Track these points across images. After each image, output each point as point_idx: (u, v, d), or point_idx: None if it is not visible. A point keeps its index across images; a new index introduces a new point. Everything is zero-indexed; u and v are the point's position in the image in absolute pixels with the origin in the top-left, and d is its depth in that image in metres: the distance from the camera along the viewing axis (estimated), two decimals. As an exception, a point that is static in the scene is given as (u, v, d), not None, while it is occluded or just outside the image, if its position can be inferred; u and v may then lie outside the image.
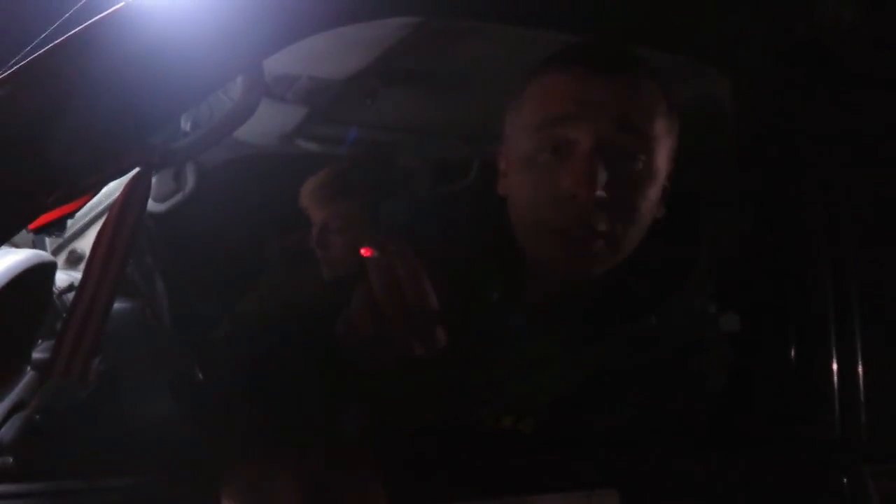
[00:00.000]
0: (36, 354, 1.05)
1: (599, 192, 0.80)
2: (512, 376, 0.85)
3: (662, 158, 0.86)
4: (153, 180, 1.62)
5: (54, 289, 1.20)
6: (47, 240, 1.44)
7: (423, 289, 0.68)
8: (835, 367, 0.86)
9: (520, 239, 0.88)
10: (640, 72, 0.85)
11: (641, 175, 0.84)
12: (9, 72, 0.66)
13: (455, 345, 0.71)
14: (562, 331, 0.86)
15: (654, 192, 0.86)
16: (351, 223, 1.38)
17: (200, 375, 1.00)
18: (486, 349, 0.85)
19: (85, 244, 1.58)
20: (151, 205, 1.64)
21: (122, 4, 0.67)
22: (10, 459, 0.76)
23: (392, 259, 0.68)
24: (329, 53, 1.22)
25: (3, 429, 0.83)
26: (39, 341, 1.09)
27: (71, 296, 1.24)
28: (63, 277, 1.31)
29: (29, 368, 1.03)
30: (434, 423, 0.76)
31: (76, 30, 0.66)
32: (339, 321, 0.71)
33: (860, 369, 0.86)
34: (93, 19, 0.67)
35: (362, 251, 0.69)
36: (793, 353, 0.88)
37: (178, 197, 1.68)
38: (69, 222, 1.45)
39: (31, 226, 0.89)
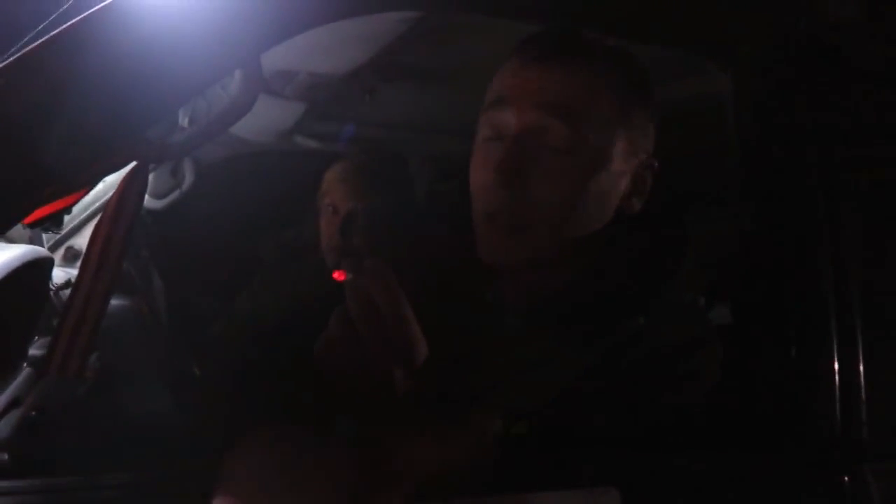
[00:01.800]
0: (32, 351, 1.04)
1: (496, 177, 0.80)
2: (501, 380, 0.84)
3: (608, 151, 0.83)
4: (151, 177, 1.62)
5: (51, 285, 1.19)
6: (44, 236, 1.43)
7: (400, 312, 0.67)
8: (836, 365, 0.86)
9: None
10: (587, 61, 0.83)
11: (574, 165, 0.82)
12: (4, 63, 0.65)
13: (442, 349, 0.71)
14: (550, 332, 0.85)
15: (593, 184, 0.83)
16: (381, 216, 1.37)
17: (197, 372, 0.99)
18: (474, 353, 0.85)
19: (82, 241, 1.58)
20: (150, 201, 1.64)
21: (118, -3, 0.66)
22: (6, 455, 0.76)
23: (368, 281, 0.67)
24: (328, 49, 1.22)
25: (-2, 425, 0.83)
26: (36, 338, 1.08)
27: (68, 292, 1.23)
28: (60, 274, 1.30)
29: (25, 365, 1.02)
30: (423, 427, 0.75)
31: (72, 22, 0.66)
32: (317, 342, 0.70)
33: (861, 368, 0.86)
34: (89, 11, 0.66)
35: (335, 275, 0.68)
36: (793, 351, 0.88)
37: (176, 194, 1.68)
38: (66, 219, 1.45)
39: (27, 220, 0.89)
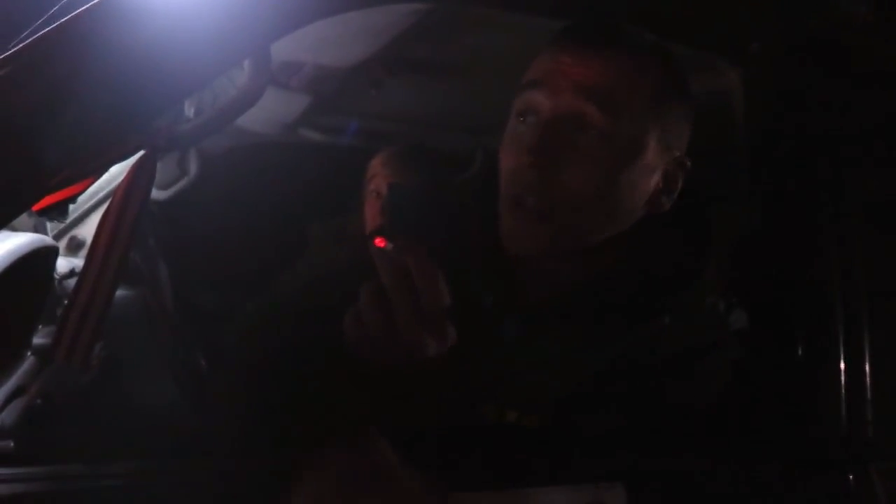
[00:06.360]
0: (36, 340, 1.04)
1: (527, 158, 0.79)
2: (517, 373, 0.84)
3: (642, 143, 0.82)
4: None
5: (55, 274, 1.19)
6: (48, 225, 1.43)
7: (435, 284, 0.67)
8: (842, 365, 0.86)
9: None
10: (626, 51, 0.82)
11: (606, 152, 0.80)
12: (12, 51, 0.65)
13: (460, 340, 0.70)
14: (568, 328, 0.85)
15: (625, 175, 0.82)
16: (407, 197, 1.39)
17: (203, 362, 0.99)
18: (492, 345, 0.84)
19: (86, 231, 1.58)
20: (154, 192, 1.63)
21: (129, -15, 0.66)
22: (11, 443, 0.76)
23: (404, 253, 0.67)
24: (335, 41, 1.21)
25: (3, 413, 0.83)
26: (40, 326, 1.08)
27: (72, 282, 1.23)
28: (63, 264, 1.30)
29: (29, 353, 1.03)
30: (438, 417, 0.75)
31: (81, 10, 0.65)
32: (346, 317, 0.70)
33: (867, 367, 0.86)
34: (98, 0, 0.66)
35: (376, 241, 0.68)
36: (800, 350, 0.88)
37: (180, 184, 1.67)
38: (70, 208, 1.45)
39: (35, 207, 0.88)
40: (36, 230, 1.30)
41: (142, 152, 0.78)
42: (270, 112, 1.57)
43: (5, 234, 0.97)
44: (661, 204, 0.86)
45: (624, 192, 0.83)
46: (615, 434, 0.79)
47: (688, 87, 0.87)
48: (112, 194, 0.84)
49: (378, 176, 1.48)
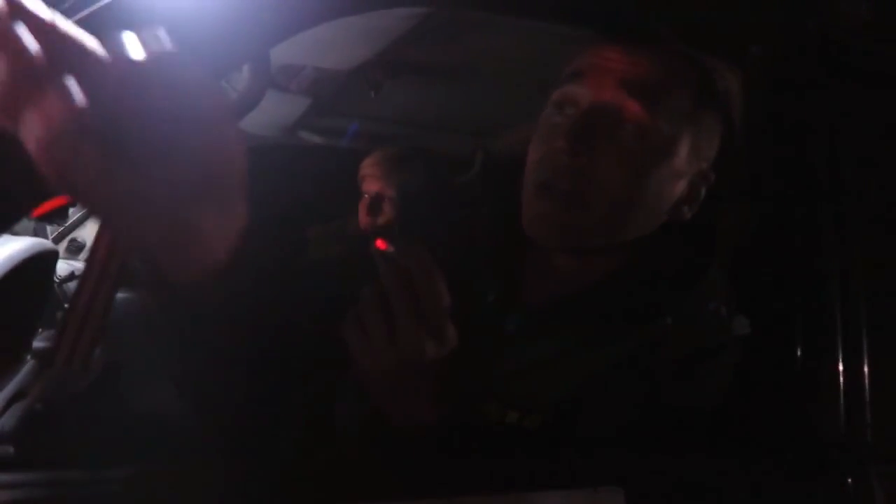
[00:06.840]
0: (36, 343, 1.04)
1: (560, 144, 0.78)
2: (519, 373, 0.84)
3: (676, 146, 0.82)
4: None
5: (55, 278, 1.20)
6: (48, 228, 1.43)
7: (436, 286, 0.67)
8: (840, 366, 0.86)
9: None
10: (669, 54, 0.83)
11: (642, 149, 0.80)
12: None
13: (462, 341, 0.70)
14: (571, 329, 0.85)
15: (655, 176, 0.81)
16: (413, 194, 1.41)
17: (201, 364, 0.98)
18: (494, 345, 0.84)
19: (86, 234, 1.58)
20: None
21: (127, -10, 0.66)
22: (11, 448, 0.76)
23: (406, 255, 0.67)
24: (335, 44, 1.22)
25: (3, 417, 0.83)
26: (40, 330, 1.08)
27: (72, 285, 1.23)
28: (64, 267, 1.31)
29: (29, 357, 1.03)
30: (438, 417, 0.75)
31: (78, 17, 0.65)
32: (345, 320, 0.69)
33: (866, 369, 0.86)
34: (96, 6, 0.66)
35: (378, 243, 0.67)
36: (798, 352, 0.88)
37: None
38: (70, 211, 1.45)
39: (34, 213, 0.89)
40: (36, 233, 1.31)
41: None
42: (270, 115, 1.57)
43: (5, 238, 0.97)
44: (683, 213, 0.86)
45: (651, 192, 0.82)
46: (616, 437, 0.79)
47: (721, 102, 0.87)
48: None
49: (368, 178, 1.48)
